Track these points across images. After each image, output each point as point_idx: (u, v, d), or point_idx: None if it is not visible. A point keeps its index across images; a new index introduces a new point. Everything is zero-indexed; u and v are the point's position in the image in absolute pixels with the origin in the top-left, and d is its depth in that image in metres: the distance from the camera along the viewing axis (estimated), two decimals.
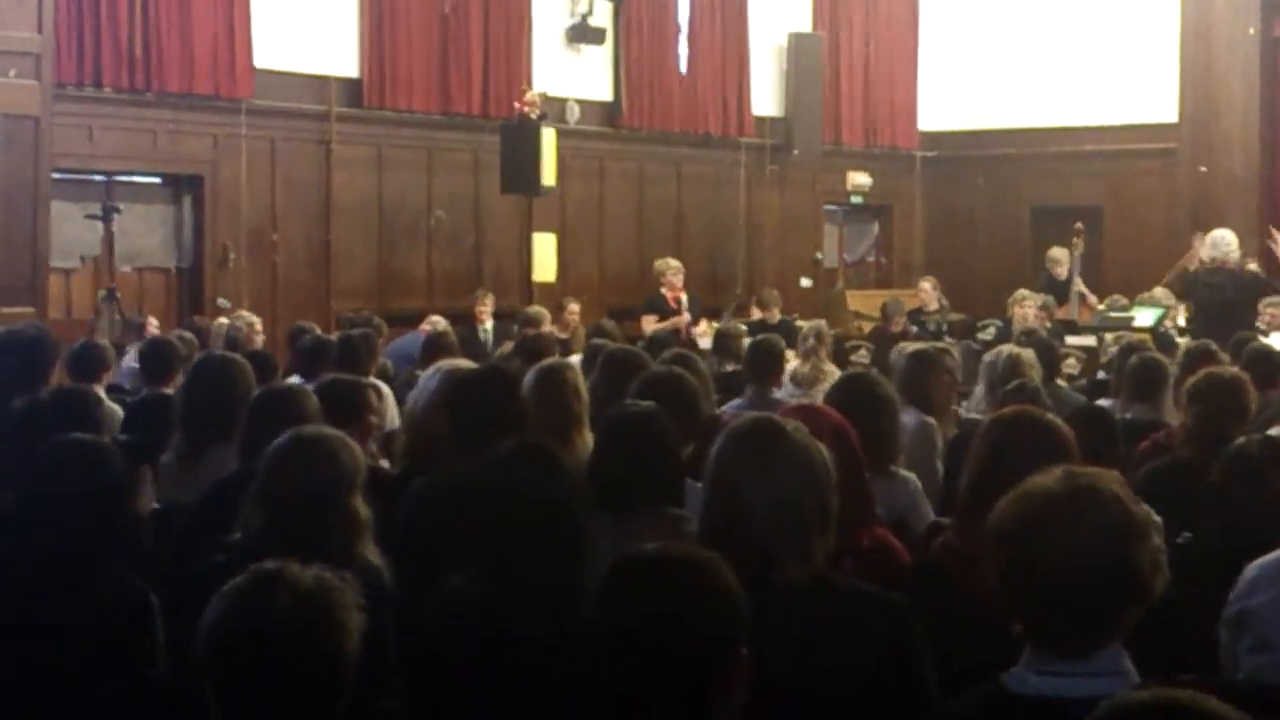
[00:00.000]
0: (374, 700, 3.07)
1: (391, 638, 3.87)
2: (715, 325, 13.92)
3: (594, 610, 2.70)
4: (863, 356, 12.88)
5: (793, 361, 9.89)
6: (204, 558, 4.34)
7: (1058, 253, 16.61)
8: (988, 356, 8.34)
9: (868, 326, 16.31)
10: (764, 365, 8.51)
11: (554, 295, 15.75)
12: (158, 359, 8.45)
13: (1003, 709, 2.90)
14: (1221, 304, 12.18)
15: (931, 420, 7.12)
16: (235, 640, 2.71)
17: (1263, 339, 10.43)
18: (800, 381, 9.70)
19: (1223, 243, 12.76)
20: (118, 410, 7.72)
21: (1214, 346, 8.23)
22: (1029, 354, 8.16)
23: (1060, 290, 15.86)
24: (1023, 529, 2.89)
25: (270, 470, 4.26)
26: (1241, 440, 4.94)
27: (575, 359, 8.60)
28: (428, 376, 5.91)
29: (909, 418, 6.94)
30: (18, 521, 4.42)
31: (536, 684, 3.61)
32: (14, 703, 3.83)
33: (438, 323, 12.65)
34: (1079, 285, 15.83)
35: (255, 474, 4.39)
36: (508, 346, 9.95)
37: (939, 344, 8.15)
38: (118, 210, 13.33)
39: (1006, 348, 8.42)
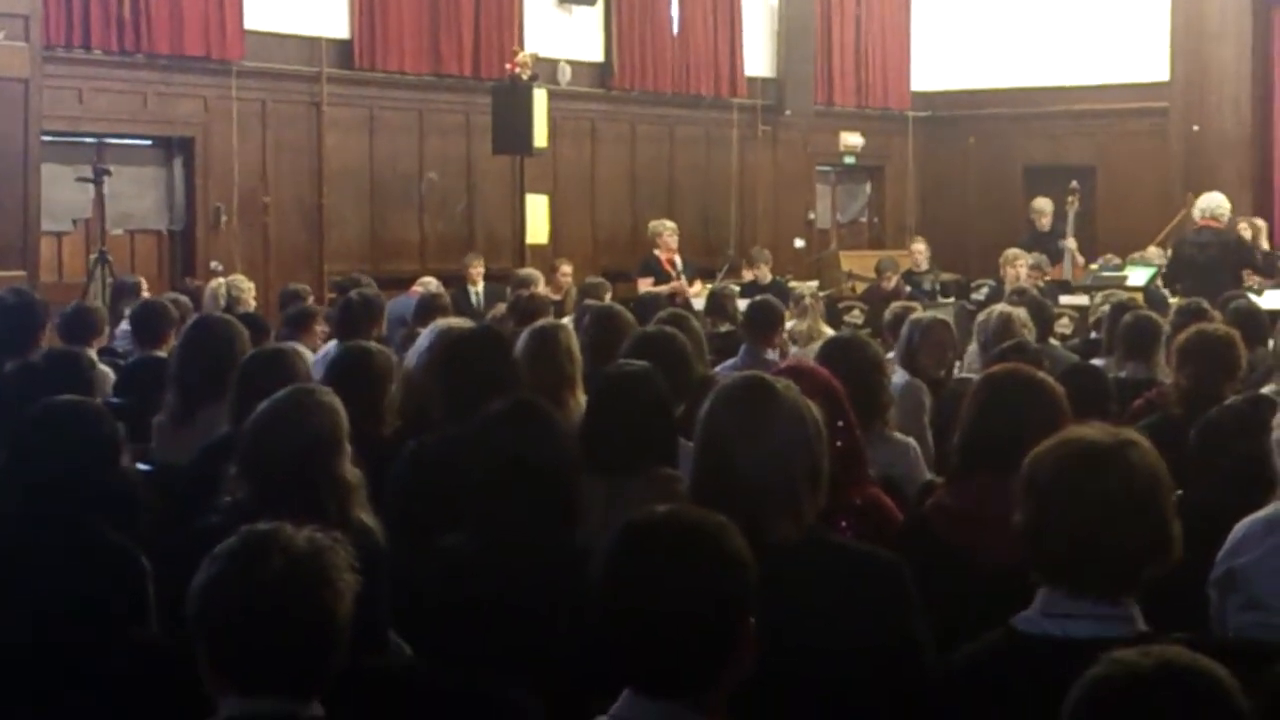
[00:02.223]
0: (366, 660, 3.07)
1: (385, 598, 3.87)
2: (709, 286, 13.93)
3: (603, 574, 2.67)
4: (856, 317, 12.92)
5: (790, 322, 9.94)
6: (194, 520, 4.34)
7: (1041, 203, 16.60)
8: (980, 316, 8.36)
9: (861, 287, 16.31)
10: (761, 326, 8.53)
11: (546, 257, 15.74)
12: (150, 322, 8.41)
13: (1013, 648, 3.01)
14: (1205, 263, 12.18)
15: (919, 381, 7.16)
16: (228, 603, 2.71)
17: (1254, 296, 10.43)
18: (797, 339, 9.76)
19: (1211, 203, 12.77)
20: (110, 373, 7.71)
21: (1205, 304, 8.24)
22: (1021, 313, 8.18)
23: (1045, 242, 15.84)
24: (1064, 475, 3.00)
25: (251, 437, 4.24)
26: (1227, 401, 4.95)
27: (568, 320, 8.60)
28: (423, 335, 5.91)
29: (898, 378, 6.98)
30: (7, 483, 4.42)
31: (531, 643, 3.62)
32: (2, 664, 3.83)
33: (430, 283, 12.63)
34: (1072, 244, 15.82)
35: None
36: (501, 308, 9.95)
37: (939, 315, 8.15)
38: (108, 173, 13.31)
39: (999, 307, 8.43)
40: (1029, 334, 7.88)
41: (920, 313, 8.40)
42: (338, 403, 4.30)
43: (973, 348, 8.28)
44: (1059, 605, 2.98)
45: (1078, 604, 2.97)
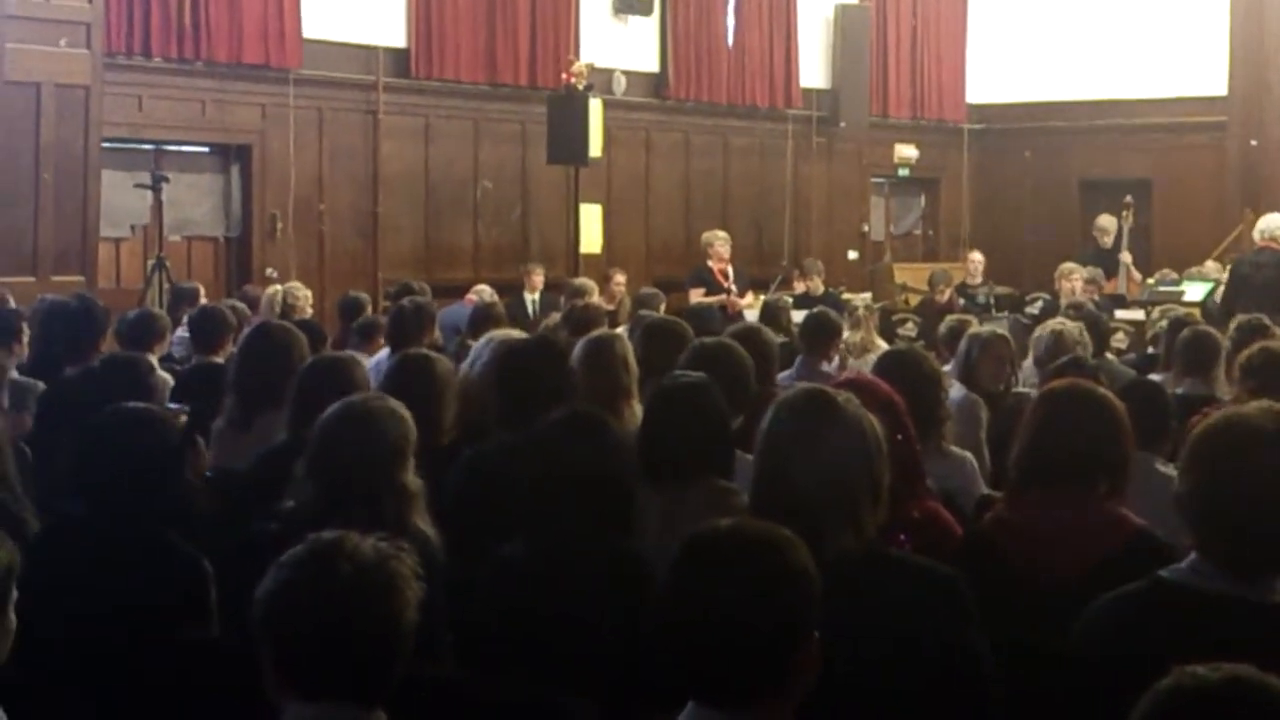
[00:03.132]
0: (425, 668, 3.08)
1: (442, 607, 3.87)
2: (762, 297, 13.91)
3: (668, 587, 2.67)
4: (910, 330, 12.87)
5: (845, 333, 9.91)
6: (251, 525, 4.36)
7: (1105, 220, 16.42)
8: (1037, 331, 8.32)
9: (914, 299, 16.26)
10: (818, 337, 8.52)
11: (600, 266, 15.75)
12: (208, 327, 8.44)
13: (1160, 593, 3.07)
14: (1261, 283, 12.08)
15: (976, 396, 7.13)
16: (295, 609, 2.71)
17: None
18: (851, 350, 9.74)
19: (1272, 224, 12.69)
20: (168, 378, 7.76)
21: (1267, 321, 8.18)
22: (1078, 328, 8.14)
23: (1105, 259, 15.71)
24: (1223, 455, 3.05)
25: (320, 442, 4.24)
26: None
27: (622, 330, 8.60)
28: (479, 346, 5.92)
29: (955, 392, 6.95)
30: (71, 489, 4.45)
31: (588, 653, 3.63)
32: (69, 667, 3.86)
33: (484, 292, 12.65)
34: (1126, 258, 15.72)
35: (303, 442, 4.39)
36: (555, 317, 9.95)
37: (997, 330, 8.09)
38: (166, 179, 13.39)
39: (1055, 321, 8.39)
40: (1085, 349, 7.84)
41: (979, 327, 8.36)
42: (407, 413, 4.30)
43: (1028, 362, 8.25)
44: (1208, 568, 3.04)
45: (1225, 572, 3.02)
